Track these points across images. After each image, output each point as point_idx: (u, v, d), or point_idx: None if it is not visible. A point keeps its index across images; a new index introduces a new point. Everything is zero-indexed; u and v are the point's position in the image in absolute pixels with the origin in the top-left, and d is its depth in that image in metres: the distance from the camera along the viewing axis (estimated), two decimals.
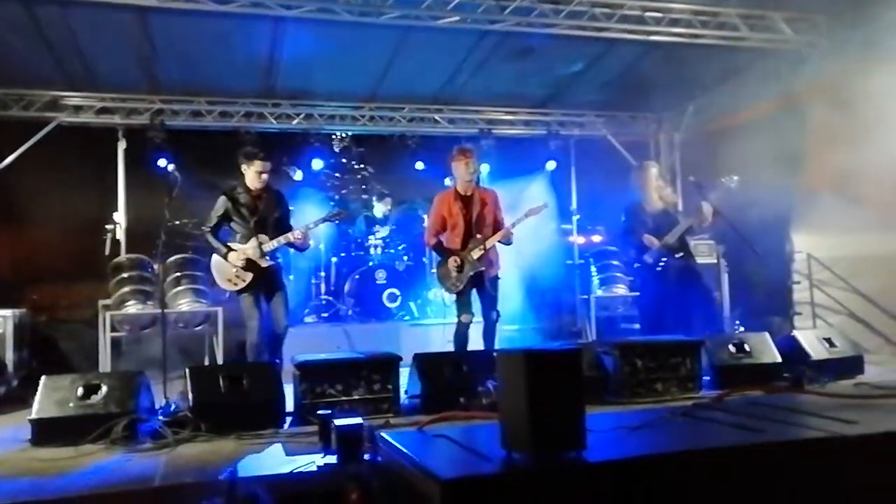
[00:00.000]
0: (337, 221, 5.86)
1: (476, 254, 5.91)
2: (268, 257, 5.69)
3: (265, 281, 5.72)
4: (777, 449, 2.71)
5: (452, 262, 5.97)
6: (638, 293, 7.31)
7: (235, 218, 5.70)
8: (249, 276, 5.64)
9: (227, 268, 5.64)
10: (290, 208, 5.98)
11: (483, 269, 5.91)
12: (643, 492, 2.49)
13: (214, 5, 6.43)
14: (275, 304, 5.76)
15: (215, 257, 5.72)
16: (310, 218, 6.33)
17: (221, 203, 5.71)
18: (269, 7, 6.56)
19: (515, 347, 3.08)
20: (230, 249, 5.63)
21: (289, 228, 5.79)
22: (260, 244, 5.64)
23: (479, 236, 5.93)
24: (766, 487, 2.61)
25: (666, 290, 6.44)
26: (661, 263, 6.45)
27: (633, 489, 2.49)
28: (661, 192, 6.69)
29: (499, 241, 5.99)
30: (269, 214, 5.76)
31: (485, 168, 9.56)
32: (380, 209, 9.55)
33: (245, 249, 5.65)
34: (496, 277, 6.07)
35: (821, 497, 2.65)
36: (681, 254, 6.51)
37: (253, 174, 5.70)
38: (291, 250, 6.40)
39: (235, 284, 5.64)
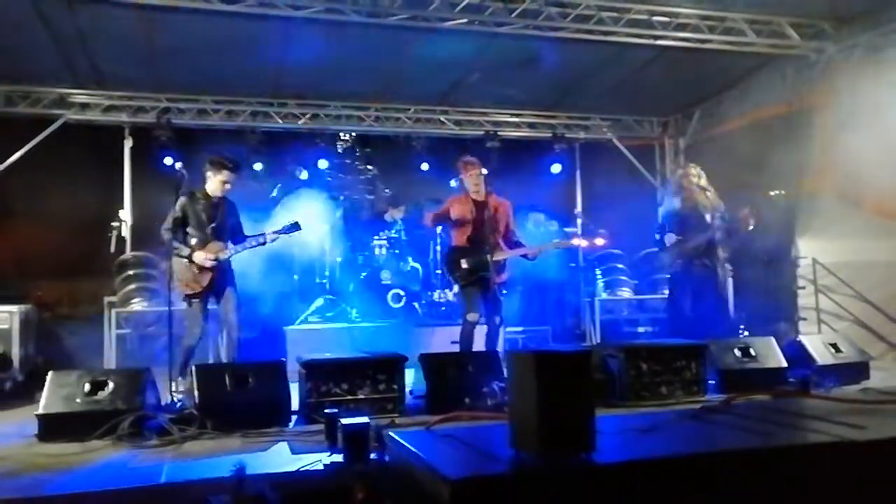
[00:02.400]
0: (293, 233, 5.93)
1: (497, 257, 6.00)
2: (227, 265, 5.75)
3: (216, 284, 5.73)
4: (786, 453, 2.71)
5: (465, 262, 6.08)
6: (648, 295, 7.32)
7: (192, 223, 5.69)
8: (207, 279, 5.64)
9: (188, 271, 5.61)
10: (239, 218, 6.01)
11: (491, 273, 5.92)
12: (652, 494, 2.49)
13: (222, 5, 6.45)
14: (224, 301, 5.76)
15: (177, 260, 5.66)
16: (313, 220, 6.39)
17: (180, 206, 5.67)
18: (277, 7, 6.58)
19: (524, 348, 3.08)
20: (193, 250, 5.62)
21: (242, 236, 5.87)
22: (217, 252, 5.66)
23: (500, 241, 6.05)
24: (775, 491, 2.61)
25: (681, 292, 6.44)
26: (677, 265, 6.44)
27: (643, 491, 2.49)
28: (698, 196, 6.57)
29: (524, 256, 6.17)
30: (225, 222, 5.80)
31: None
32: (393, 215, 9.55)
33: (206, 255, 5.62)
34: (503, 284, 6.15)
35: (830, 501, 2.65)
36: (701, 260, 6.45)
37: (218, 183, 5.74)
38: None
39: (192, 289, 5.60)
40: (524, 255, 6.22)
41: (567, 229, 10.57)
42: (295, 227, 5.94)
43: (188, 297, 5.69)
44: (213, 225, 5.72)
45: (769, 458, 2.66)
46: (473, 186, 6.17)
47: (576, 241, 6.35)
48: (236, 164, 5.83)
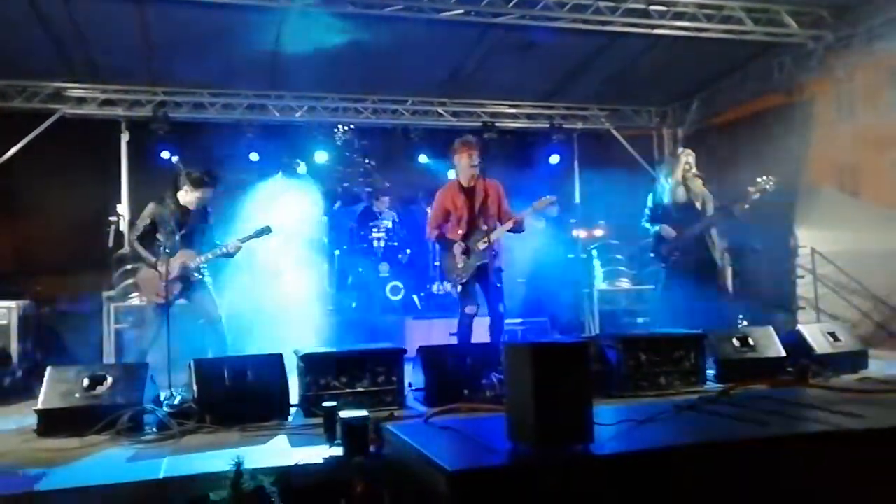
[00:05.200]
0: (264, 237, 5.77)
1: (482, 244, 5.81)
2: (196, 272, 5.62)
3: (185, 292, 5.65)
4: (784, 442, 2.71)
5: (458, 248, 5.88)
6: (646, 286, 7.28)
7: (161, 230, 5.54)
8: (178, 289, 5.55)
9: (157, 281, 5.43)
10: (211, 223, 5.83)
11: (487, 261, 5.77)
12: (650, 485, 2.49)
13: None
14: (199, 303, 5.66)
15: (144, 269, 5.61)
16: (311, 213, 6.36)
17: (149, 212, 5.56)
18: None
19: (522, 340, 3.08)
20: (159, 260, 5.44)
21: (213, 242, 5.71)
22: (187, 260, 5.55)
23: (484, 227, 5.81)
24: (773, 481, 2.61)
25: (678, 283, 6.43)
26: (674, 256, 6.42)
27: (640, 482, 2.49)
28: (690, 184, 6.52)
29: (510, 231, 5.88)
30: (196, 229, 5.67)
31: None
32: (378, 205, 9.56)
33: (176, 263, 5.49)
34: (500, 269, 5.95)
35: (827, 491, 2.65)
36: (698, 249, 6.42)
37: (193, 198, 5.60)
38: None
39: (164, 298, 5.39)
40: (512, 230, 5.89)
41: (572, 221, 10.60)
42: (265, 230, 5.73)
43: (158, 305, 5.51)
44: (182, 232, 5.54)
45: (767, 448, 2.66)
46: (467, 168, 5.90)
47: (548, 199, 6.07)
48: (214, 180, 5.65)
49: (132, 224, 5.49)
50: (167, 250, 5.38)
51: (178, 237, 5.52)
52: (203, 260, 5.63)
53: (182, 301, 5.71)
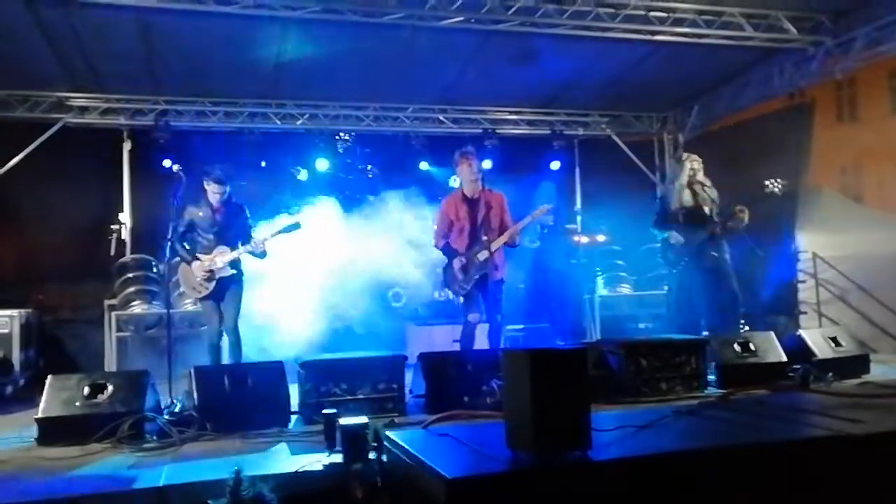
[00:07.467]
0: (293, 232, 5.93)
1: (482, 256, 5.85)
2: (229, 266, 5.82)
3: (221, 286, 5.87)
4: (783, 448, 2.71)
5: (458, 262, 5.95)
6: (647, 291, 7.25)
7: (198, 229, 5.87)
8: (213, 285, 5.81)
9: (192, 276, 5.83)
10: (248, 220, 6.06)
11: (488, 271, 5.85)
12: (649, 491, 2.49)
13: (217, 6, 6.45)
14: (225, 303, 5.89)
15: (183, 267, 5.92)
16: (309, 219, 6.41)
17: (187, 213, 5.85)
18: (273, 8, 6.57)
19: (521, 347, 3.08)
20: (195, 258, 5.81)
21: (248, 238, 5.89)
22: (224, 255, 5.79)
23: (484, 238, 5.85)
24: (771, 486, 2.60)
25: (689, 287, 6.44)
26: (683, 262, 6.44)
27: (639, 488, 2.48)
28: (696, 188, 6.53)
29: (505, 244, 5.94)
30: (229, 227, 5.89)
31: (486, 164, 9.50)
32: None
33: (210, 260, 5.79)
34: (501, 281, 6.01)
35: (827, 495, 2.65)
36: (706, 254, 6.41)
37: (210, 193, 5.87)
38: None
39: (200, 292, 5.85)
40: (508, 245, 5.95)
41: (568, 226, 10.61)
42: (295, 226, 5.91)
43: (201, 300, 5.91)
44: (215, 230, 5.84)
45: (765, 454, 2.66)
46: (470, 178, 5.98)
47: (545, 208, 6.14)
48: (220, 178, 5.86)
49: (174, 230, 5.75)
50: (203, 247, 5.79)
51: (212, 234, 5.83)
52: (234, 255, 5.80)
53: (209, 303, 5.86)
